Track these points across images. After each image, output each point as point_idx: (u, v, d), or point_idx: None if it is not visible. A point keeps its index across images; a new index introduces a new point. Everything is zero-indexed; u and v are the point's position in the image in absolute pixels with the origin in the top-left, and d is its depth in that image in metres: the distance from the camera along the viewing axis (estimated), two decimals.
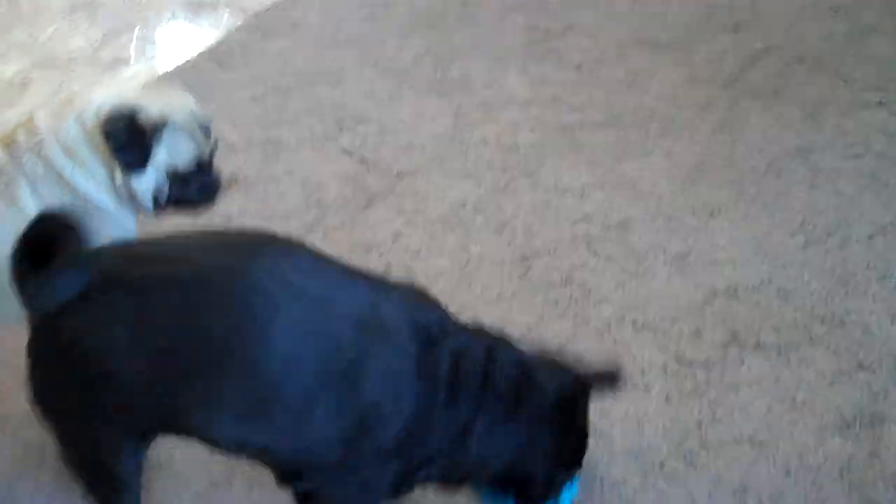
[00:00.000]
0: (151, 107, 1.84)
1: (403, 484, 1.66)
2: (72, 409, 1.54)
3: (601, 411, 2.05)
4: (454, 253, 2.49)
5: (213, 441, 1.59)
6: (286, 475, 1.63)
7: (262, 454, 1.60)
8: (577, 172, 2.71)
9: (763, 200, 2.57)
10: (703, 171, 2.68)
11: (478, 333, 1.69)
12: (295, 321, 1.47)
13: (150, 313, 1.46)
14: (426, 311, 1.62)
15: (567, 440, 1.73)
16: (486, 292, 2.37)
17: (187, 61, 3.39)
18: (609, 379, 1.72)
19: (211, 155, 1.96)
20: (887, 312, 2.23)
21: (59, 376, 1.52)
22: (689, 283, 2.35)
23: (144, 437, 1.62)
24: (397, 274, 2.28)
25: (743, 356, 2.16)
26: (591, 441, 1.98)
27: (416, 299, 1.64)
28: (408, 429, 1.55)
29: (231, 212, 2.51)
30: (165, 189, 1.89)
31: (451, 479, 1.73)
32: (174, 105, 1.90)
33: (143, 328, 1.46)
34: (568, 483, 1.78)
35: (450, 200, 2.65)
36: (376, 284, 1.62)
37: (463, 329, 1.67)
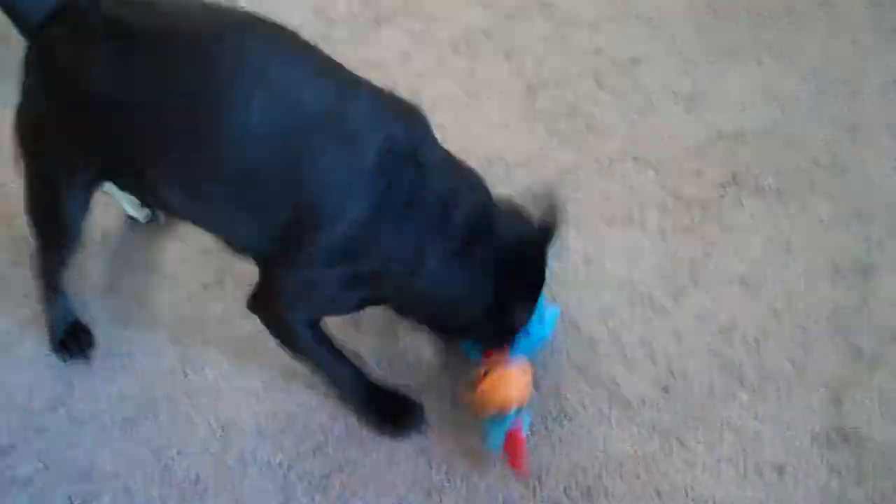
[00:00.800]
0: None
1: (353, 293, 1.63)
2: (38, 134, 1.62)
3: (594, 240, 2.08)
4: (461, 77, 2.45)
5: (166, 208, 1.66)
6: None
7: (211, 233, 1.66)
8: (593, 3, 2.65)
9: (779, 45, 2.51)
10: (720, 13, 2.61)
11: (454, 167, 1.65)
12: (258, 99, 1.47)
13: (129, 47, 1.49)
14: (406, 127, 1.58)
15: (521, 282, 1.68)
16: (490, 118, 2.34)
17: None
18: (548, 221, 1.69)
19: None
20: (891, 164, 2.21)
21: (36, 93, 1.58)
22: (695, 124, 2.32)
23: (94, 179, 1.68)
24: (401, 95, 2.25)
25: (741, 198, 2.15)
26: (582, 268, 2.02)
27: (403, 115, 1.60)
28: (353, 233, 1.52)
29: None
30: None
31: (404, 307, 1.72)
32: None
33: (120, 61, 1.49)
34: (540, 322, 1.76)
35: (461, 24, 2.59)
36: (358, 88, 1.58)
37: (441, 159, 1.63)
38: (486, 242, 1.61)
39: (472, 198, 1.63)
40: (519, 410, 1.65)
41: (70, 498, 1.69)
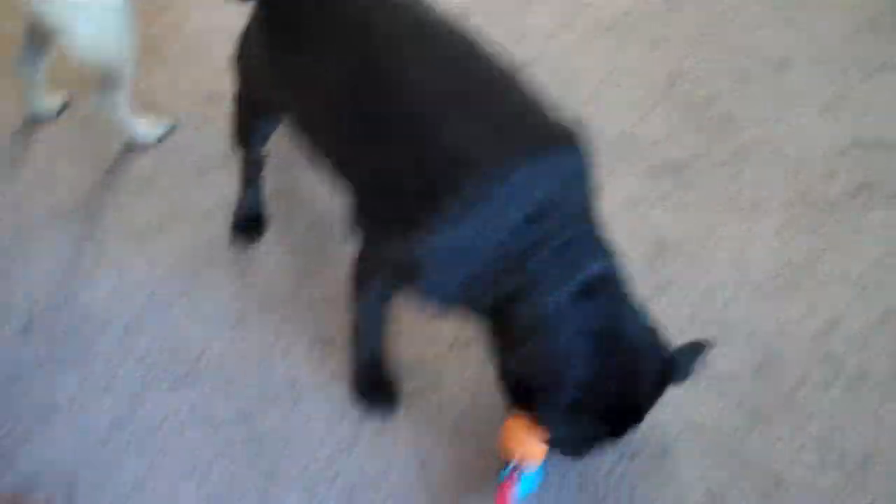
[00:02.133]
0: None
1: (456, 291, 1.54)
2: (245, 70, 1.82)
3: (713, 224, 2.09)
4: (603, 57, 2.50)
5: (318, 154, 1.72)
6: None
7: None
8: (748, 3, 2.66)
9: None
10: (878, 25, 2.58)
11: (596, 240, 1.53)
12: (423, 68, 1.51)
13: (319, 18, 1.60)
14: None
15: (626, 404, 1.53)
16: (625, 99, 2.39)
17: None
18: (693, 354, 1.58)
19: None
20: None
21: (247, 39, 1.78)
22: (835, 129, 2.31)
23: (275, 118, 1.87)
24: (543, 70, 2.32)
25: (870, 205, 2.13)
26: (696, 250, 2.04)
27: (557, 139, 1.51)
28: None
29: None
30: None
31: (497, 335, 1.56)
32: None
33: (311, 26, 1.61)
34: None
35: (613, 8, 2.65)
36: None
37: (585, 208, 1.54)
38: (619, 348, 1.48)
39: (614, 287, 1.51)
40: (518, 468, 1.59)
41: (177, 378, 1.81)
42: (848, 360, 1.85)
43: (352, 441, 1.73)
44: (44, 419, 1.74)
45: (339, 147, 1.63)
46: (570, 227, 1.48)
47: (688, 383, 1.75)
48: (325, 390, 1.80)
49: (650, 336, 1.52)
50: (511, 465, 1.59)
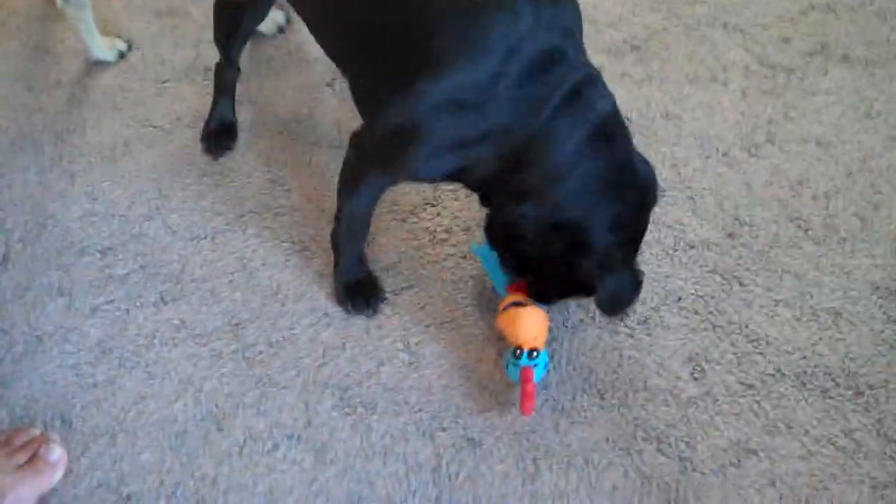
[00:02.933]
0: None
1: (448, 156, 1.52)
2: None
3: (675, 97, 2.11)
4: None
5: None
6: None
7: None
8: None
9: None
10: None
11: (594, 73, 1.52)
12: None
13: None
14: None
15: (631, 216, 1.56)
16: None
17: None
18: None
19: None
20: None
21: None
22: None
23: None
24: None
25: (827, 66, 2.16)
26: (661, 122, 2.06)
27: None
28: (473, 84, 1.44)
29: None
30: None
31: (495, 190, 1.58)
32: None
33: None
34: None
35: None
36: None
37: (582, 58, 1.52)
38: (614, 145, 1.51)
39: (608, 104, 1.51)
40: (532, 354, 1.62)
41: (161, 295, 1.82)
42: (814, 218, 1.90)
43: (340, 344, 1.76)
44: (31, 350, 1.75)
45: (337, 13, 1.62)
46: (575, 70, 1.46)
47: (662, 255, 1.79)
48: (308, 296, 1.82)
49: (650, 169, 1.58)
50: (527, 352, 1.63)
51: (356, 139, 1.66)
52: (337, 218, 1.77)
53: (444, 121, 1.47)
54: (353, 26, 1.59)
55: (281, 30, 2.28)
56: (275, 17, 2.26)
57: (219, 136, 2.07)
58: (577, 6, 1.54)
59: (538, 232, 1.54)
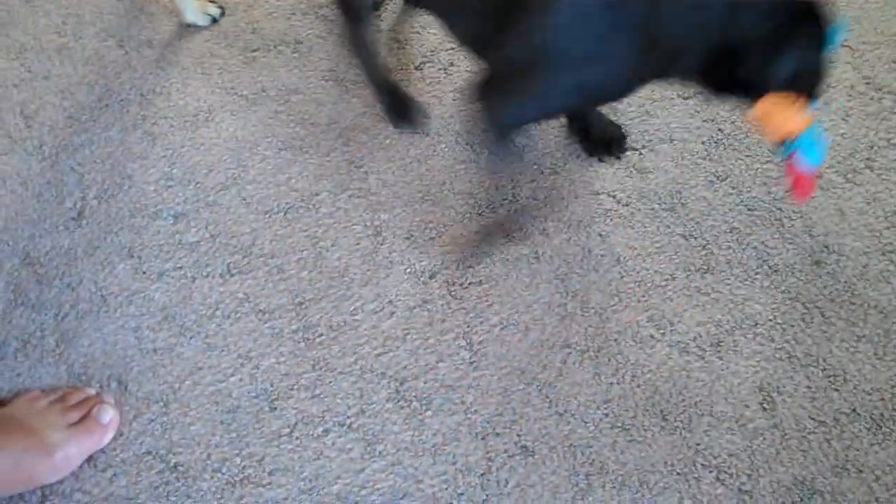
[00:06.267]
0: None
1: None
2: None
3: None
4: None
5: None
6: None
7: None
8: None
9: None
10: None
11: None
12: None
13: None
14: None
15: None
16: None
17: None
18: None
19: None
20: None
21: None
22: None
23: None
24: None
25: None
26: (752, 137, 1.98)
27: None
28: None
29: None
30: None
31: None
32: None
33: None
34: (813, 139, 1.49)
35: None
36: None
37: None
38: None
39: None
40: (792, 145, 1.46)
41: (229, 266, 1.81)
42: None
43: (401, 335, 1.73)
44: (96, 309, 1.75)
45: None
46: None
47: (743, 276, 1.72)
48: (374, 282, 1.79)
49: None
50: (785, 145, 1.46)
51: (484, 97, 1.63)
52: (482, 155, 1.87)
53: (568, 45, 1.47)
54: None
55: (214, 20, 2.23)
56: (207, 8, 2.21)
57: (399, 112, 2.02)
58: None
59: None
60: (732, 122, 2.00)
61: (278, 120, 2.04)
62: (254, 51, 2.17)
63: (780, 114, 1.45)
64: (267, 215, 1.89)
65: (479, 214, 1.87)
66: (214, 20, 2.22)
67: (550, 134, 1.99)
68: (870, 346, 1.69)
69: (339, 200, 1.91)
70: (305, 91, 2.08)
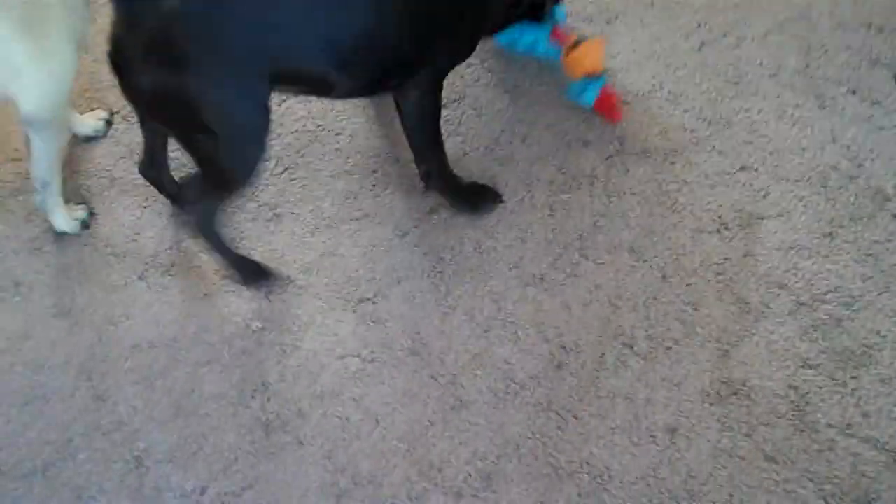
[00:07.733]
0: None
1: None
2: None
3: (484, 225, 2.11)
4: None
5: None
6: None
7: None
8: None
9: (662, 5, 2.52)
10: None
11: None
12: None
13: None
14: None
15: None
16: None
17: None
18: None
19: None
20: (775, 110, 2.24)
21: None
22: None
23: None
24: None
25: (627, 164, 2.18)
26: (476, 253, 2.05)
27: None
28: None
29: None
30: None
31: None
32: None
33: None
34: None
35: None
36: None
37: None
38: None
39: None
40: (602, 78, 2.20)
41: None
42: (638, 331, 1.93)
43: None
44: None
45: None
46: None
47: (494, 401, 1.78)
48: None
49: None
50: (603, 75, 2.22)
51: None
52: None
53: None
54: None
55: (86, 225, 2.22)
56: (76, 213, 2.20)
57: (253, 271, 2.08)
58: None
59: None
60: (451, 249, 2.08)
61: (13, 373, 1.99)
62: None
63: (594, 52, 2.18)
64: (25, 479, 1.84)
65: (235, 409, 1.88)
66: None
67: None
68: (624, 436, 1.79)
69: (95, 441, 1.87)
70: (35, 334, 2.04)
